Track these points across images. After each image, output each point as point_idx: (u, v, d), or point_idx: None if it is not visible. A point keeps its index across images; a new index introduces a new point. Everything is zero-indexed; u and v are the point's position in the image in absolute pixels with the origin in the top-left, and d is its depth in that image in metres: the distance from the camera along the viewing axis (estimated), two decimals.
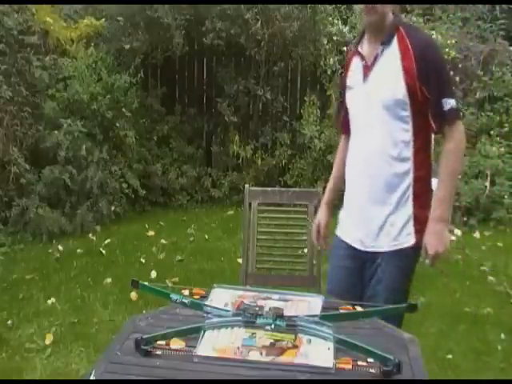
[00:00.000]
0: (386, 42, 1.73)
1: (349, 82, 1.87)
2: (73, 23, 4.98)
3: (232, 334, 1.29)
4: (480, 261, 4.17)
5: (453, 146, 1.72)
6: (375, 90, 1.74)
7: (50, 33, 4.76)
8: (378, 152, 1.74)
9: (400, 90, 1.68)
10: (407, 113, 1.70)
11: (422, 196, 1.76)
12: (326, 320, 1.32)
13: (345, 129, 1.99)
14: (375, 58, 1.75)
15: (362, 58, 1.80)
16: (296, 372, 1.17)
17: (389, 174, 1.74)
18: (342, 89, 1.94)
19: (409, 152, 1.73)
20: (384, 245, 1.77)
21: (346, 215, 1.92)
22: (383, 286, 1.77)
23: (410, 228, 1.75)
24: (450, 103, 1.68)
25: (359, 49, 1.82)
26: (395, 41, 1.72)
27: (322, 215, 2.05)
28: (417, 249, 1.75)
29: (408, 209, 1.75)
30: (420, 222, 1.74)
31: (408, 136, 1.73)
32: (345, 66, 1.94)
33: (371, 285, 1.80)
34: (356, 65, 1.83)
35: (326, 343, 1.25)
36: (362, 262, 1.83)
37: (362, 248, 1.82)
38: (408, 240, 1.76)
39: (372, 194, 1.77)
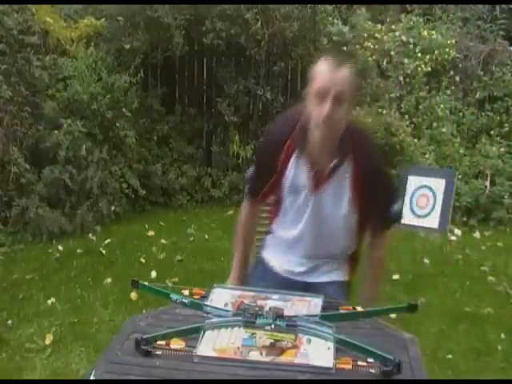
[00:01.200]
0: (341, 156, 1.63)
1: (291, 178, 1.69)
2: (73, 23, 4.97)
3: (232, 334, 1.29)
4: (480, 261, 4.16)
5: (382, 254, 1.83)
6: (325, 207, 1.70)
7: (49, 33, 4.75)
8: (321, 248, 1.78)
9: (349, 209, 1.70)
10: (353, 220, 1.74)
11: (355, 266, 1.88)
12: (326, 320, 1.32)
13: (257, 197, 1.85)
14: (330, 173, 1.65)
15: (313, 163, 1.64)
16: (296, 372, 1.17)
17: (331, 254, 1.80)
18: (271, 166, 1.70)
19: (353, 242, 1.81)
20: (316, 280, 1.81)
21: (280, 249, 1.87)
22: None
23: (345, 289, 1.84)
24: (394, 209, 1.77)
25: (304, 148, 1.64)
26: (348, 154, 1.63)
27: None
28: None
29: (342, 274, 1.83)
30: (350, 286, 1.86)
31: (353, 235, 1.78)
32: (280, 147, 1.67)
33: None
34: (298, 164, 1.67)
35: (326, 343, 1.26)
36: (289, 284, 1.79)
37: (291, 277, 1.82)
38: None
39: (312, 259, 1.80)
